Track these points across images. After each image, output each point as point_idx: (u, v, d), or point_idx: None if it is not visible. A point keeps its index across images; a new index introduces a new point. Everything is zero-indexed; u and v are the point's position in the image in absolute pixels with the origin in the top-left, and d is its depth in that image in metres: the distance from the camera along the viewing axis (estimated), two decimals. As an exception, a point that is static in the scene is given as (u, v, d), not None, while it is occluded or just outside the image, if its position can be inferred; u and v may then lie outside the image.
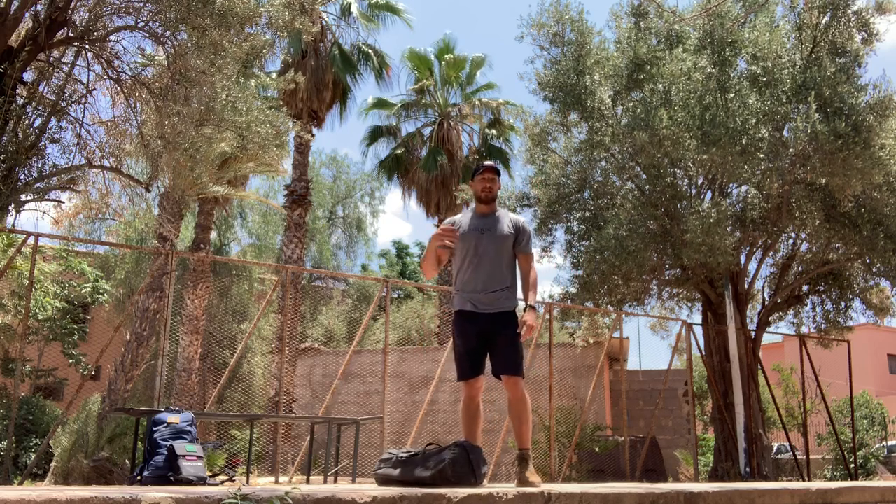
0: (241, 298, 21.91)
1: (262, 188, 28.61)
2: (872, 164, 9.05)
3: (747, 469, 10.50)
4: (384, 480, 3.85)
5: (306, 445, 9.06)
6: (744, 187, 10.73)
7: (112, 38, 7.71)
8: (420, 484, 3.54)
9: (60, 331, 16.81)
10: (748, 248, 11.19)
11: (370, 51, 19.23)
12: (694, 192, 11.02)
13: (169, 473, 5.29)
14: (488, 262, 4.32)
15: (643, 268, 10.42)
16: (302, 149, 18.38)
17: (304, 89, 16.98)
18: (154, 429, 5.60)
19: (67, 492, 2.17)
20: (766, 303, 12.11)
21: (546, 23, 10.95)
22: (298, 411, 15.83)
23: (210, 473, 6.28)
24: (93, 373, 13.18)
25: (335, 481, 8.71)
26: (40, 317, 15.60)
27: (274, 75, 14.81)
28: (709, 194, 10.85)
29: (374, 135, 22.49)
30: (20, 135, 7.40)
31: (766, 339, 12.85)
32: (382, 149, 22.56)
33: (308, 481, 9.05)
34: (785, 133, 9.79)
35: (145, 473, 5.39)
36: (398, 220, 64.85)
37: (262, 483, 8.85)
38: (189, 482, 5.19)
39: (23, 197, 7.78)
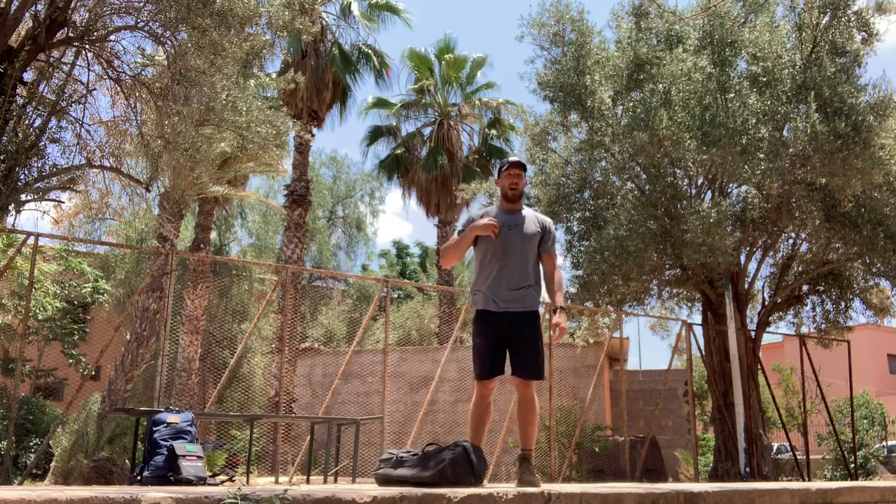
0: (241, 298, 21.91)
1: (262, 188, 28.63)
2: (872, 164, 9.05)
3: (747, 469, 10.50)
4: (384, 480, 3.85)
5: (306, 445, 9.06)
6: (744, 187, 10.73)
7: (112, 38, 7.71)
8: (420, 484, 3.54)
9: (60, 331, 16.80)
10: (748, 248, 11.19)
11: (370, 51, 19.23)
12: (694, 192, 11.02)
13: (169, 473, 5.29)
14: (514, 260, 4.27)
15: (643, 268, 10.41)
16: (302, 149, 18.38)
17: (304, 89, 16.97)
18: (154, 429, 5.60)
19: (67, 492, 2.17)
20: (766, 303, 12.11)
21: (546, 22, 10.95)
22: (298, 411, 15.83)
23: (210, 473, 6.28)
24: (93, 373, 13.18)
25: (335, 481, 8.71)
26: (40, 317, 15.59)
27: (274, 75, 14.81)
28: (709, 194, 10.85)
29: (374, 135, 22.49)
30: (20, 135, 7.40)
31: (766, 339, 12.85)
32: (382, 149, 22.59)
33: (308, 481, 9.05)
34: (785, 133, 9.79)
35: (145, 473, 5.39)
36: (398, 220, 64.89)
37: (262, 483, 8.85)
38: (189, 482, 5.19)
39: (23, 197, 7.78)
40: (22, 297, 13.26)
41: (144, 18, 7.43)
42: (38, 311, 15.16)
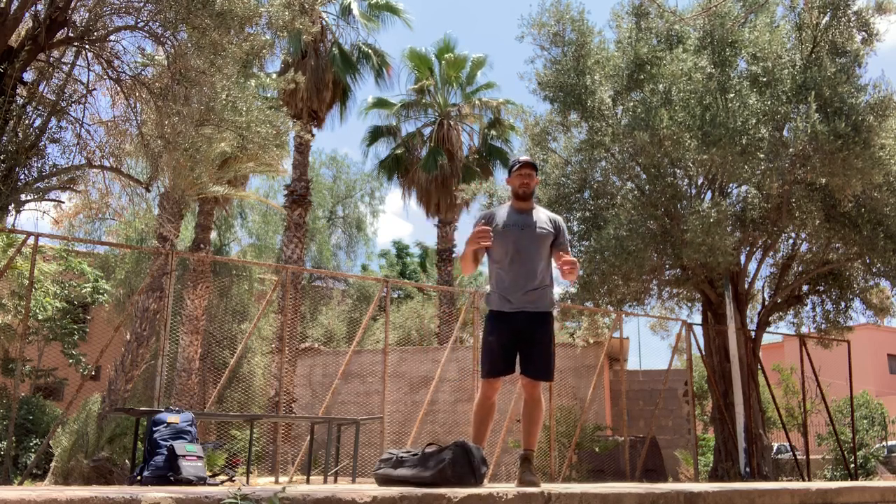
0: (241, 298, 21.90)
1: (262, 188, 28.62)
2: (872, 164, 9.05)
3: (747, 469, 10.50)
4: (384, 480, 3.85)
5: (306, 445, 9.06)
6: (744, 187, 10.73)
7: (112, 38, 7.71)
8: (420, 484, 3.54)
9: (60, 331, 16.80)
10: (748, 248, 11.19)
11: (370, 51, 19.23)
12: (694, 192, 11.02)
13: (169, 473, 5.28)
14: (528, 259, 4.26)
15: (643, 268, 10.42)
16: (302, 149, 18.38)
17: (304, 89, 16.97)
18: (154, 429, 5.59)
19: (67, 492, 2.17)
20: (766, 303, 12.11)
21: (546, 22, 10.95)
22: (298, 411, 15.83)
23: (210, 473, 6.28)
24: (93, 373, 13.18)
25: (335, 481, 8.71)
26: (40, 317, 15.59)
27: (274, 75, 14.80)
28: (709, 194, 10.85)
29: (374, 135, 22.49)
30: (20, 135, 7.40)
31: (766, 339, 12.85)
32: (382, 149, 22.59)
33: (308, 481, 9.05)
34: (785, 133, 9.79)
35: (145, 473, 5.39)
36: (398, 220, 64.88)
37: (262, 483, 8.85)
38: (189, 482, 5.19)
39: (23, 197, 7.78)
40: (22, 297, 13.26)
41: (144, 18, 7.43)
42: (38, 311, 15.15)
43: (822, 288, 12.23)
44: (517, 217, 4.35)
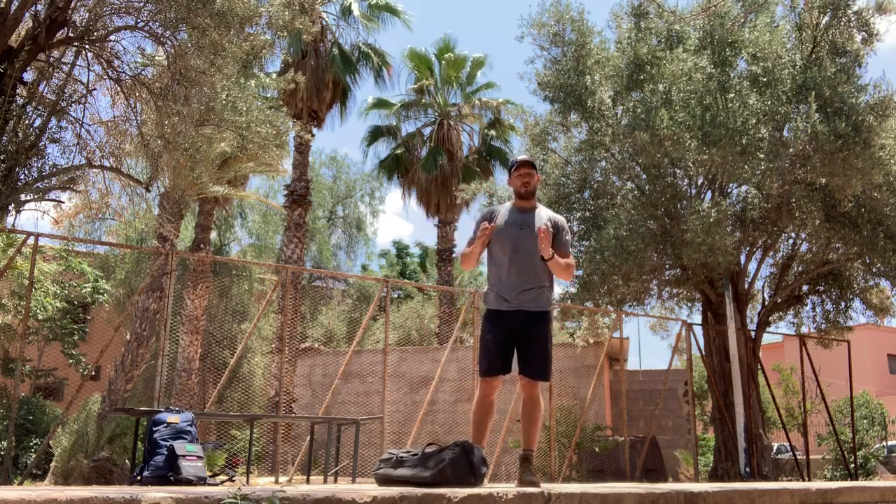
0: (241, 298, 21.90)
1: (262, 188, 28.61)
2: (872, 164, 9.05)
3: (747, 469, 10.50)
4: (384, 480, 3.85)
5: (306, 445, 9.06)
6: (744, 187, 10.73)
7: (112, 38, 7.71)
8: (420, 484, 3.54)
9: (60, 331, 16.79)
10: (748, 248, 11.19)
11: (370, 51, 19.23)
12: (694, 192, 11.02)
13: (169, 473, 5.28)
14: (526, 259, 4.26)
15: (643, 268, 10.41)
16: (302, 149, 18.38)
17: (304, 89, 16.97)
18: (154, 429, 5.59)
19: (67, 492, 2.17)
20: (766, 303, 12.11)
21: (546, 23, 10.95)
22: (298, 411, 15.83)
23: (210, 473, 6.28)
24: (93, 373, 13.18)
25: (335, 481, 8.71)
26: (40, 317, 15.59)
27: (274, 75, 14.81)
28: (709, 194, 10.85)
29: (374, 135, 22.49)
30: (20, 135, 7.40)
31: (766, 339, 12.85)
32: (382, 149, 22.58)
33: (308, 481, 9.05)
34: (785, 133, 9.79)
35: (145, 473, 5.39)
36: (398, 220, 64.88)
37: (262, 483, 8.85)
38: (189, 482, 5.19)
39: (23, 197, 7.78)
40: (22, 297, 13.26)
41: (144, 18, 7.43)
42: (38, 311, 15.15)
43: (822, 288, 12.23)
44: (517, 216, 4.36)
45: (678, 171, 10.84)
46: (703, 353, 11.50)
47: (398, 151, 22.13)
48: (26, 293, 8.66)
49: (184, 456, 5.36)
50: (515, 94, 60.14)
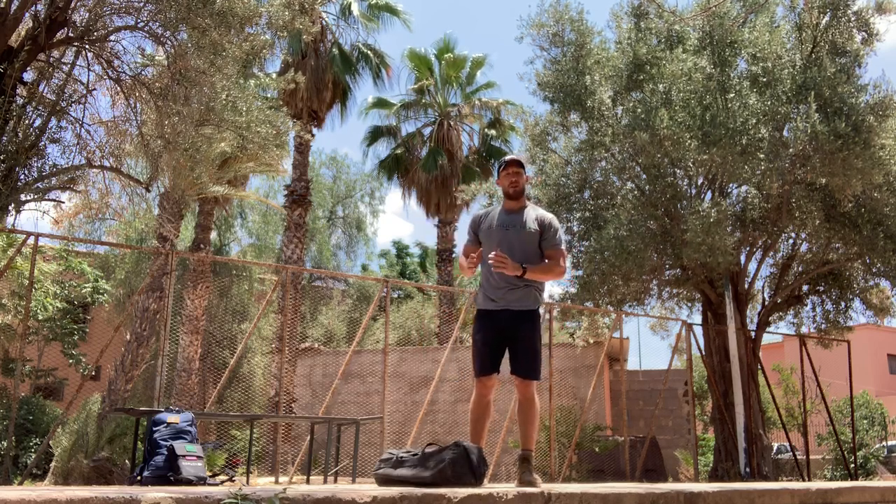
0: (241, 298, 21.91)
1: (262, 188, 28.62)
2: (872, 164, 9.05)
3: (747, 469, 10.50)
4: (384, 480, 3.85)
5: (306, 445, 9.06)
6: (744, 187, 10.72)
7: (112, 38, 7.71)
8: (420, 484, 3.54)
9: (60, 331, 16.80)
10: (748, 248, 11.19)
11: (370, 51, 19.24)
12: (694, 192, 11.02)
13: (169, 473, 5.28)
14: (512, 258, 4.26)
15: (643, 268, 10.41)
16: (302, 149, 18.38)
17: (304, 89, 16.97)
18: (154, 429, 5.59)
19: (67, 492, 2.17)
20: (766, 303, 12.11)
21: (546, 23, 10.95)
22: (298, 411, 15.83)
23: (210, 473, 6.28)
24: (93, 373, 13.18)
25: (335, 481, 8.71)
26: (40, 317, 15.59)
27: (274, 75, 14.82)
28: (709, 194, 10.84)
29: (374, 135, 22.50)
30: (20, 135, 7.40)
31: (766, 339, 12.85)
32: (382, 149, 22.59)
33: (308, 481, 9.05)
34: (785, 133, 9.79)
35: (145, 473, 5.39)
36: (398, 220, 64.87)
37: (262, 483, 8.85)
38: (189, 482, 5.19)
39: (23, 197, 7.78)
40: (22, 297, 13.26)
41: (144, 18, 7.43)
42: (38, 311, 15.15)
43: (822, 288, 12.22)
44: (505, 217, 4.39)
45: (678, 171, 10.83)
46: (703, 353, 11.50)
47: (398, 151, 22.13)
48: (26, 293, 8.66)
49: (184, 456, 5.36)
50: (515, 94, 60.19)
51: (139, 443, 6.70)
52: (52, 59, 7.96)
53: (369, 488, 2.92)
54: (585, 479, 10.86)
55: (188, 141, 7.93)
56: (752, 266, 11.61)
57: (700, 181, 11.08)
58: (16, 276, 12.83)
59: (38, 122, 7.84)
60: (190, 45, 7.41)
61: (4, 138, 7.19)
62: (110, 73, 7.82)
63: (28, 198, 7.98)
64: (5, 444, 8.15)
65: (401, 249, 35.48)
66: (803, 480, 11.25)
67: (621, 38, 10.99)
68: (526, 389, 4.24)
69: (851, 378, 12.67)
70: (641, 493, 3.49)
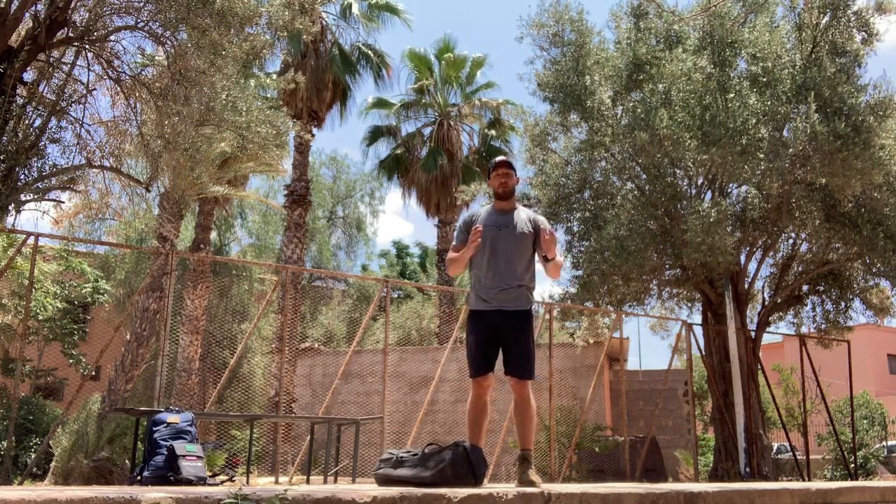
0: (241, 298, 21.91)
1: (262, 188, 28.62)
2: (872, 165, 9.05)
3: (747, 469, 10.50)
4: (384, 480, 3.85)
5: (306, 445, 9.06)
6: (744, 187, 10.73)
7: (112, 38, 7.71)
8: (420, 484, 3.54)
9: (60, 331, 16.79)
10: (748, 248, 11.19)
11: (370, 51, 19.24)
12: (694, 192, 11.02)
13: (169, 473, 5.29)
14: (504, 260, 4.30)
15: (643, 268, 10.41)
16: (302, 149, 18.38)
17: (304, 89, 16.97)
18: (154, 429, 5.60)
19: (67, 492, 2.17)
20: (766, 303, 12.11)
21: (546, 23, 10.95)
22: (298, 411, 15.83)
23: (210, 473, 6.28)
24: (93, 373, 13.18)
25: (335, 481, 8.71)
26: (40, 317, 15.59)
27: (274, 75, 14.83)
28: (709, 194, 10.84)
29: (374, 135, 22.49)
30: (20, 135, 7.40)
31: (766, 339, 12.85)
32: (382, 149, 22.58)
33: (308, 481, 9.05)
34: (785, 133, 9.79)
35: (145, 473, 5.39)
36: (398, 220, 64.86)
37: (262, 483, 8.85)
38: (189, 482, 5.19)
39: (23, 197, 7.78)
40: (22, 297, 13.26)
41: (144, 18, 7.43)
42: (38, 311, 15.15)
43: (822, 288, 12.22)
44: (496, 218, 4.41)
45: (678, 171, 10.84)
46: (703, 353, 11.50)
47: (398, 151, 22.13)
48: (26, 293, 8.66)
49: (184, 456, 5.36)
50: (515, 94, 60.18)
51: (139, 443, 6.70)
52: (52, 59, 7.96)
53: (369, 488, 2.92)
54: (585, 479, 10.86)
55: (188, 141, 7.93)
56: (752, 266, 11.62)
57: (700, 181, 11.08)
58: (16, 276, 12.83)
59: (38, 122, 7.84)
60: (190, 45, 7.41)
61: (4, 138, 7.19)
62: (110, 73, 7.82)
63: (28, 198, 7.97)
64: (5, 444, 8.15)
65: (401, 249, 35.49)
66: (803, 480, 11.25)
67: (621, 38, 10.99)
68: (522, 390, 4.24)
69: (851, 378, 12.67)
70: (641, 493, 3.49)
